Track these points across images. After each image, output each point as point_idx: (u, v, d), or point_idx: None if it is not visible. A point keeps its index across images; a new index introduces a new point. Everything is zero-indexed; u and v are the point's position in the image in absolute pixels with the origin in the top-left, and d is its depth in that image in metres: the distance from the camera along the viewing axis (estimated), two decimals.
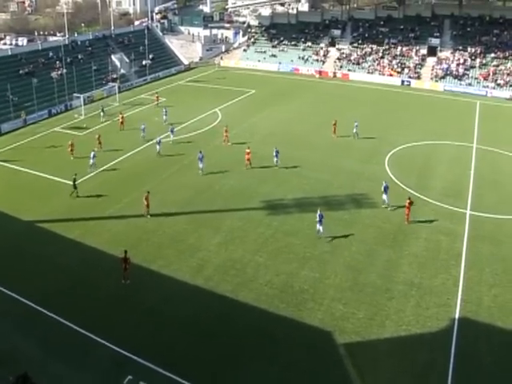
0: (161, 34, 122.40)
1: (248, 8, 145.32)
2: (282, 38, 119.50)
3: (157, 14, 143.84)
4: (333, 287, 36.42)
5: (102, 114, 73.80)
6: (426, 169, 57.39)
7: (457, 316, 33.63)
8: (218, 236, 42.84)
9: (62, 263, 39.11)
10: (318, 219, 42.47)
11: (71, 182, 49.23)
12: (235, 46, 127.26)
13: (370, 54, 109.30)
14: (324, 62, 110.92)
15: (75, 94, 79.03)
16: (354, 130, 66.47)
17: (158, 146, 59.59)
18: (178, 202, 48.26)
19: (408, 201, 44.50)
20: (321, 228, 42.64)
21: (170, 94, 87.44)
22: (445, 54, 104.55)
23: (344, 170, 56.10)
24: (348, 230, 43.85)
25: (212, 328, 32.57)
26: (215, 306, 34.65)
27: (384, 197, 47.96)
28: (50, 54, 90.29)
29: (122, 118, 69.03)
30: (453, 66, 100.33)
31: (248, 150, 56.43)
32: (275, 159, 56.54)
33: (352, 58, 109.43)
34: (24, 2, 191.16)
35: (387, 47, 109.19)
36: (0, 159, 58.97)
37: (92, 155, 55.38)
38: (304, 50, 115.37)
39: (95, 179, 53.11)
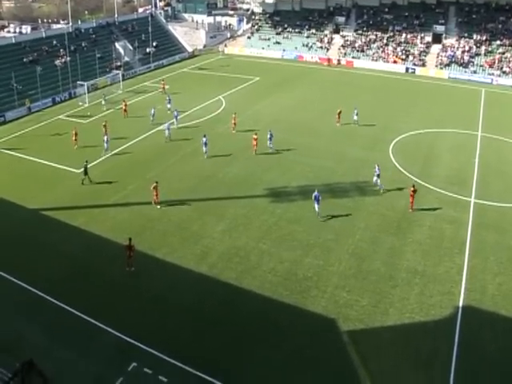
0: (164, 21, 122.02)
1: None
2: (286, 25, 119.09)
3: (160, 1, 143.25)
4: (336, 275, 36.46)
5: (103, 102, 73.76)
6: (430, 157, 57.26)
7: (461, 304, 33.61)
8: (221, 223, 42.88)
9: (66, 250, 39.22)
10: (314, 199, 43.33)
11: (81, 169, 49.75)
12: (239, 33, 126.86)
13: (375, 41, 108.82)
14: (328, 49, 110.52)
15: (79, 82, 78.89)
16: (355, 118, 66.59)
17: (167, 132, 59.84)
18: (182, 189, 48.27)
19: (412, 188, 44.44)
20: (317, 207, 43.42)
21: (173, 82, 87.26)
22: (450, 41, 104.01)
23: (348, 157, 56.01)
24: (352, 218, 43.85)
25: (216, 315, 32.67)
26: (219, 294, 34.73)
27: (376, 179, 49.03)
28: (54, 41, 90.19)
29: (126, 105, 68.99)
30: (458, 54, 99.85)
31: (255, 136, 56.81)
32: (268, 142, 57.16)
33: (356, 45, 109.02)
34: None
35: (392, 34, 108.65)
36: (5, 147, 59.06)
37: (106, 139, 56.69)
38: (308, 37, 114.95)
39: (100, 167, 53.09)
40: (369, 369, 28.62)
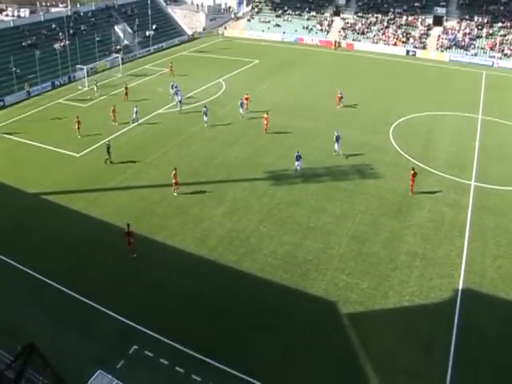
0: (164, 4, 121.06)
1: None
2: (286, 8, 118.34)
3: None
4: (337, 257, 36.53)
5: (95, 88, 72.55)
6: (430, 139, 57.14)
7: (460, 287, 33.69)
8: (222, 207, 42.91)
9: (66, 235, 39.27)
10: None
11: (105, 150, 50.41)
12: (239, 15, 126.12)
13: (375, 23, 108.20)
14: (328, 32, 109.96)
15: (78, 66, 78.70)
16: (339, 95, 67.23)
17: (179, 105, 61.06)
18: (182, 172, 48.10)
19: (412, 171, 44.40)
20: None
21: (173, 65, 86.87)
22: (451, 23, 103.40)
23: (348, 140, 55.77)
24: (352, 201, 43.86)
25: (216, 298, 32.77)
26: (219, 277, 34.83)
27: (335, 146, 52.07)
28: (53, 25, 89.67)
29: (126, 89, 68.70)
30: (459, 36, 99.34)
31: (266, 116, 57.53)
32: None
33: (357, 27, 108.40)
34: None
35: (392, 17, 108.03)
36: (4, 131, 58.93)
37: (135, 111, 59.66)
38: (308, 19, 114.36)
39: (99, 151, 52.99)
40: (369, 351, 28.75)
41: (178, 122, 61.08)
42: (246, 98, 64.24)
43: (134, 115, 59.74)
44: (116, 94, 71.59)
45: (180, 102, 64.84)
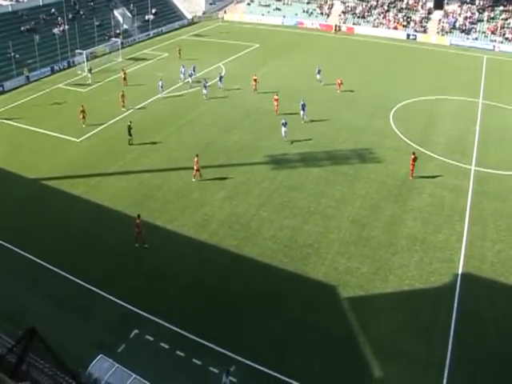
0: None
1: None
2: None
3: None
4: (337, 242, 36.57)
5: (89, 75, 71.97)
6: (431, 124, 57.02)
7: (460, 271, 33.75)
8: (222, 191, 42.90)
9: (67, 220, 39.33)
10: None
11: (127, 131, 50.84)
12: None
13: (376, 7, 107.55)
14: (328, 16, 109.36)
15: (78, 51, 78.24)
16: (318, 77, 68.61)
17: (302, 113, 58.59)
18: (182, 157, 48.16)
19: (412, 156, 44.35)
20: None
21: (172, 50, 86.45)
22: (452, 7, 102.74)
23: (348, 124, 55.80)
24: (352, 185, 43.85)
25: (216, 282, 32.86)
26: (220, 261, 34.91)
27: (301, 113, 55.88)
28: (52, 9, 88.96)
29: (125, 73, 68.45)
30: (460, 20, 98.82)
31: (276, 97, 58.11)
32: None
33: (357, 11, 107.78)
34: None
35: (393, 0, 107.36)
36: (3, 117, 58.82)
37: (160, 84, 63.53)
38: (308, 3, 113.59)
39: (96, 137, 52.98)
40: (368, 335, 28.86)
41: (177, 106, 60.96)
42: (255, 80, 64.90)
43: (161, 89, 63.90)
44: (113, 80, 71.31)
45: (190, 81, 66.88)
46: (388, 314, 30.37)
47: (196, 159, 43.93)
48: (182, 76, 69.96)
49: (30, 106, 62.32)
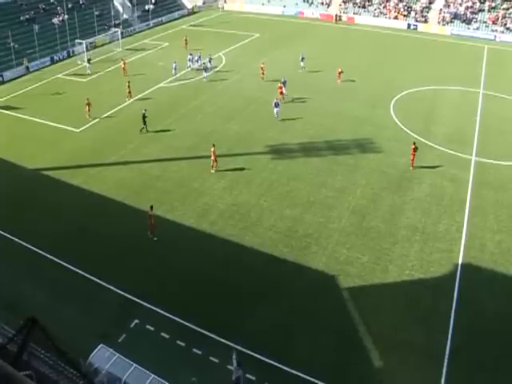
0: None
1: None
2: None
3: None
4: (337, 232, 36.59)
5: (87, 65, 71.53)
6: (431, 114, 56.94)
7: (460, 261, 33.78)
8: (222, 181, 42.90)
9: (66, 210, 39.34)
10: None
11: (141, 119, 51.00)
12: None
13: None
14: (329, 5, 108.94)
15: (77, 41, 78.11)
16: (302, 64, 69.36)
17: (204, 73, 62.99)
18: (182, 147, 48.17)
19: (413, 146, 44.28)
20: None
21: (173, 39, 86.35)
22: None
23: (349, 114, 55.73)
24: (352, 175, 43.84)
25: (216, 272, 32.89)
26: (220, 251, 34.93)
27: (284, 91, 57.73)
28: None
29: (124, 64, 68.24)
30: (461, 10, 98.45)
31: (280, 85, 58.16)
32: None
33: (357, 0, 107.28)
34: None
35: None
36: (3, 107, 58.69)
37: (174, 66, 67.14)
38: None
39: (96, 127, 52.97)
40: (368, 324, 28.91)
41: (177, 96, 60.85)
42: (262, 68, 65.40)
43: (174, 71, 67.13)
44: (112, 70, 71.13)
45: (205, 69, 67.49)
46: (388, 304, 30.41)
47: (213, 149, 43.87)
48: (189, 63, 70.63)
49: (29, 97, 62.18)
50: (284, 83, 58.67)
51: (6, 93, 63.45)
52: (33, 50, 74.77)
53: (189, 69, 70.19)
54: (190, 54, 71.38)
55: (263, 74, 65.27)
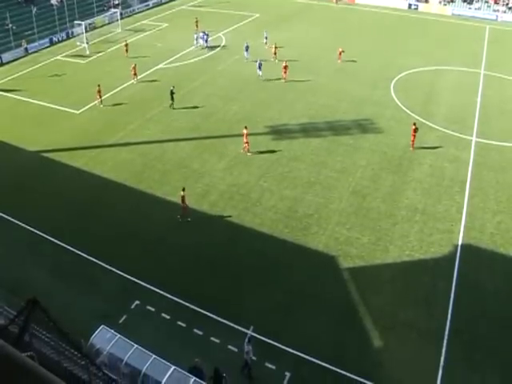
0: None
1: None
2: None
3: None
4: (337, 212, 36.64)
5: (86, 46, 71.36)
6: (432, 95, 56.75)
7: (460, 242, 33.88)
8: (222, 161, 42.90)
9: (67, 192, 39.39)
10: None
11: (170, 95, 51.75)
12: None
13: None
14: None
15: (76, 22, 77.48)
16: (264, 41, 71.00)
17: (258, 71, 60.24)
18: (182, 128, 48.13)
19: (413, 127, 44.18)
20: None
21: (172, 20, 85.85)
22: None
23: (349, 95, 55.58)
24: (353, 155, 43.81)
25: (216, 253, 33.04)
26: (220, 232, 35.01)
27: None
28: None
29: (127, 45, 67.64)
30: None
31: (285, 64, 58.17)
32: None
33: None
34: None
35: None
36: (2, 89, 58.52)
37: (195, 37, 70.87)
38: None
39: (96, 108, 52.83)
40: (368, 305, 29.05)
41: (177, 77, 60.54)
42: (275, 47, 64.99)
43: (196, 41, 70.27)
44: (112, 51, 70.78)
45: (206, 46, 70.15)
46: (388, 285, 30.54)
47: (245, 131, 43.67)
48: (199, 41, 71.37)
49: (28, 78, 61.93)
50: (247, 48, 63.80)
51: (5, 75, 63.19)
52: (31, 32, 74.17)
53: (197, 46, 70.76)
54: (203, 32, 71.71)
55: (275, 54, 64.62)
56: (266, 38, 71.23)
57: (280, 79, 58.48)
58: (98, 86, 53.15)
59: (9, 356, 5.46)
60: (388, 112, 51.43)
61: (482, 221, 36.01)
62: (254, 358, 25.03)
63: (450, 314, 28.43)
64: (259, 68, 59.73)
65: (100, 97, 53.21)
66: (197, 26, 77.64)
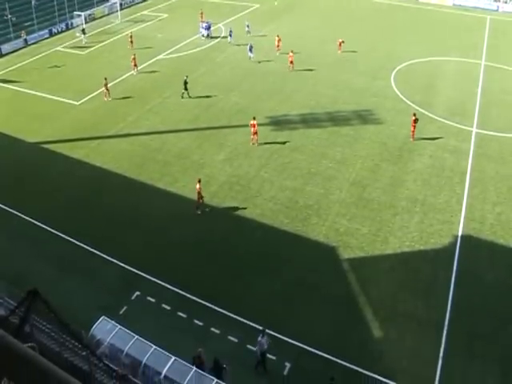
0: None
1: None
2: None
3: None
4: (337, 203, 36.64)
5: (82, 36, 71.04)
6: (432, 85, 56.60)
7: (460, 233, 33.89)
8: (222, 152, 42.87)
9: (68, 183, 39.42)
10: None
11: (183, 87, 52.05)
12: None
13: None
14: None
15: (76, 13, 77.28)
16: (246, 29, 71.41)
17: (249, 53, 62.12)
18: (182, 119, 48.07)
19: (413, 117, 44.12)
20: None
21: (171, 10, 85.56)
22: None
23: (349, 85, 55.46)
24: (353, 146, 43.77)
25: (217, 244, 33.07)
26: (220, 222, 35.06)
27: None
28: None
29: (131, 37, 66.94)
30: None
31: (291, 54, 58.44)
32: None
33: None
34: None
35: None
36: (2, 80, 58.36)
37: (202, 26, 71.07)
38: None
39: (96, 99, 52.73)
40: (368, 295, 29.10)
41: (177, 68, 60.40)
42: (278, 40, 64.43)
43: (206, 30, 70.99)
44: (111, 42, 70.57)
45: (208, 35, 71.21)
46: (388, 275, 30.57)
47: (253, 122, 43.39)
48: (203, 31, 71.57)
49: (28, 70, 61.78)
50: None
51: (4, 66, 63.02)
52: (31, 23, 73.92)
53: (202, 36, 71.14)
54: (206, 23, 72.12)
55: (278, 46, 64.11)
56: (248, 26, 71.61)
57: (280, 71, 58.37)
58: (105, 79, 52.64)
59: (9, 345, 5.49)
60: (388, 103, 51.34)
61: (481, 212, 36.01)
62: (253, 349, 25.11)
63: (449, 304, 28.47)
64: (250, 51, 61.78)
65: (107, 90, 52.42)
66: (202, 17, 77.42)
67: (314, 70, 59.51)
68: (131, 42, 66.45)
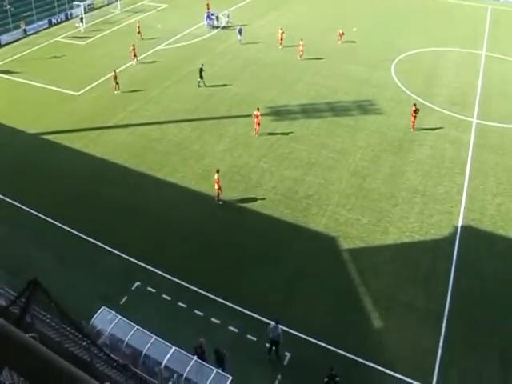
0: None
1: None
2: None
3: None
4: (337, 193, 36.65)
5: (81, 24, 70.88)
6: (432, 76, 56.49)
7: (460, 224, 33.94)
8: (222, 143, 42.84)
9: (68, 174, 39.41)
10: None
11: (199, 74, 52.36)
12: None
13: None
14: None
15: (75, 3, 76.88)
16: (227, 19, 72.36)
17: (239, 36, 64.23)
18: (182, 109, 48.00)
19: (414, 108, 44.06)
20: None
21: (171, 0, 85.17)
22: None
23: (349, 76, 55.36)
24: (353, 137, 43.74)
25: (217, 234, 33.11)
26: (220, 212, 35.11)
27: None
28: None
29: (139, 27, 66.34)
30: None
31: (301, 43, 58.77)
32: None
33: None
34: None
35: None
36: (1, 71, 58.21)
37: (209, 15, 71.47)
38: None
39: (96, 90, 52.64)
40: (369, 286, 29.17)
41: (177, 58, 60.32)
42: (281, 33, 63.62)
43: (217, 21, 71.90)
44: (111, 32, 70.33)
45: (212, 26, 71.61)
46: (388, 265, 30.63)
47: (257, 113, 43.38)
48: (213, 21, 72.17)
49: (28, 60, 61.61)
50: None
51: (4, 56, 62.83)
52: (30, 13, 73.62)
53: (208, 26, 71.52)
54: (211, 13, 72.31)
55: (281, 40, 63.35)
56: (229, 16, 72.50)
57: (280, 61, 58.36)
58: (114, 71, 51.90)
59: (9, 335, 5.49)
60: (388, 93, 51.26)
61: (481, 202, 36.05)
62: (254, 339, 25.19)
63: (449, 294, 28.58)
64: (239, 33, 64.25)
65: (117, 83, 51.79)
66: (208, 8, 77.09)
67: (314, 60, 59.35)
68: (139, 32, 65.78)
